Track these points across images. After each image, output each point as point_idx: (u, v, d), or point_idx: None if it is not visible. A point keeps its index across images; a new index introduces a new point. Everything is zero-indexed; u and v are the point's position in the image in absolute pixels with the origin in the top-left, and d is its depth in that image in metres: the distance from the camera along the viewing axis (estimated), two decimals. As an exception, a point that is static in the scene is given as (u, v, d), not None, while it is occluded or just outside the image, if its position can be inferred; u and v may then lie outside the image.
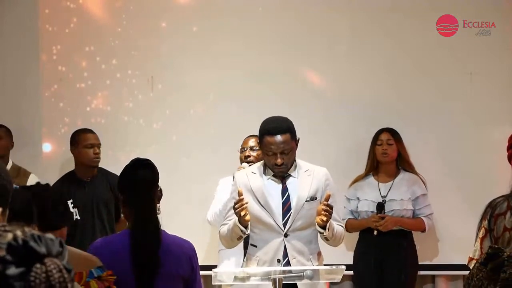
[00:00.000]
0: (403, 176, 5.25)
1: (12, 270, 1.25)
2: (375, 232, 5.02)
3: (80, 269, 2.54)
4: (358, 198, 5.21)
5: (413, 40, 5.62)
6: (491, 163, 5.36)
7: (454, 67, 5.59)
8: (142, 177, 3.06)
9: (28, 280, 1.25)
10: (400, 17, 5.63)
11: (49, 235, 1.30)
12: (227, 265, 4.78)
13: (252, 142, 4.84)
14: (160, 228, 3.04)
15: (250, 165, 4.56)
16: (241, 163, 4.79)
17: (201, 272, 5.42)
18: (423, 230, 5.23)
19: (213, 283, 3.49)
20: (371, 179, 5.26)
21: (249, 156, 4.79)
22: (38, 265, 1.26)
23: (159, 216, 3.11)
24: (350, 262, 5.18)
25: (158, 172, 3.14)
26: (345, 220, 5.16)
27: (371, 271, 5.07)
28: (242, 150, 4.88)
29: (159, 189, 3.15)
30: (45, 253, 1.28)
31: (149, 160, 3.17)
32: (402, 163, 5.28)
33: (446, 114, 5.57)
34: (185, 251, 3.06)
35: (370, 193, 5.19)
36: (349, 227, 5.17)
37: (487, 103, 5.56)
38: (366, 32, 5.63)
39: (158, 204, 3.13)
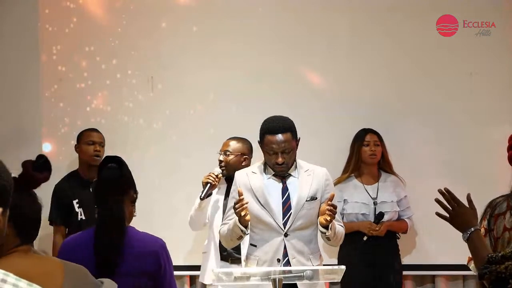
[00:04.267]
0: (386, 178, 5.24)
1: None
2: (365, 238, 5.00)
3: None
4: (345, 200, 5.17)
5: (413, 40, 5.61)
6: (491, 163, 5.36)
7: (454, 67, 5.59)
8: (106, 176, 3.06)
9: None
10: (400, 17, 5.62)
11: None
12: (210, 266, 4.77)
13: (226, 146, 4.86)
14: (124, 226, 3.03)
15: (222, 170, 4.69)
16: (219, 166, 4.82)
17: (199, 272, 5.49)
18: (405, 232, 5.24)
19: (212, 283, 3.48)
20: (355, 181, 5.22)
21: (221, 161, 4.80)
22: None
23: (134, 218, 3.11)
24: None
25: (127, 171, 3.11)
26: None
27: (362, 273, 5.03)
28: (220, 153, 4.88)
29: (134, 191, 3.12)
30: None
31: (118, 158, 3.14)
32: (384, 164, 5.27)
33: (446, 114, 5.57)
34: (151, 247, 3.04)
35: (358, 195, 5.16)
36: None
37: (487, 103, 5.56)
38: (366, 32, 5.63)
39: (133, 207, 3.11)
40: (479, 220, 2.74)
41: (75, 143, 5.32)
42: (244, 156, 4.79)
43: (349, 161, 5.26)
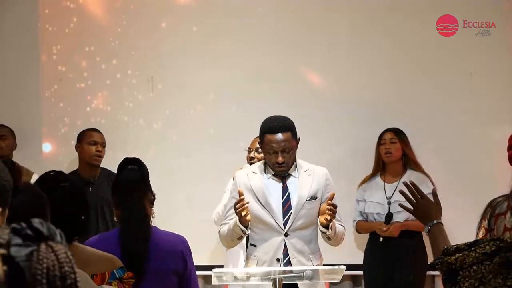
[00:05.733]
0: (409, 175, 5.23)
1: (18, 251, 1.24)
2: (381, 239, 5.02)
3: (102, 269, 2.53)
4: (365, 200, 5.22)
5: (413, 40, 5.61)
6: (491, 163, 5.35)
7: (454, 67, 5.59)
8: (127, 178, 3.06)
9: (36, 259, 1.24)
10: (400, 17, 5.63)
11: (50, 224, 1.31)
12: (236, 265, 4.75)
13: (256, 143, 4.83)
14: (149, 226, 3.04)
15: None
16: (248, 163, 4.79)
17: (199, 272, 5.49)
18: None
19: (213, 283, 3.48)
20: (378, 180, 5.26)
21: (253, 158, 4.79)
22: (43, 245, 1.26)
23: (152, 219, 3.11)
24: (350, 262, 5.16)
25: (146, 172, 3.11)
26: (356, 222, 5.21)
27: (380, 272, 5.06)
28: (249, 150, 4.88)
29: (152, 193, 3.12)
30: (48, 235, 1.27)
31: (137, 159, 3.15)
32: (409, 162, 5.27)
33: (446, 114, 5.57)
34: (176, 246, 3.05)
35: (376, 195, 5.19)
36: (359, 229, 5.23)
37: (487, 103, 5.56)
38: (366, 32, 5.63)
39: (152, 208, 3.11)
40: (479, 220, 2.74)
41: (75, 143, 5.32)
42: None
43: (374, 162, 5.30)
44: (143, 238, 2.98)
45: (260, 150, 4.76)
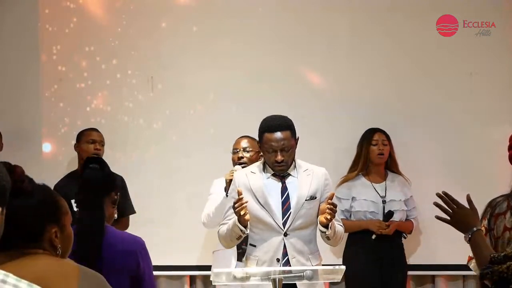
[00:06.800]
0: (393, 177, 5.24)
1: None
2: (374, 236, 5.00)
3: None
4: (353, 198, 5.17)
5: (413, 40, 5.61)
6: (491, 163, 5.36)
7: (454, 67, 5.59)
8: (87, 177, 3.07)
9: None
10: (400, 17, 5.62)
11: None
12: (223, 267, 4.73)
13: (244, 143, 4.80)
14: (103, 225, 3.05)
15: (243, 167, 4.52)
16: (233, 165, 4.74)
17: (199, 272, 5.49)
18: (410, 232, 5.24)
19: (212, 283, 3.48)
20: (363, 179, 5.22)
21: (242, 157, 4.75)
22: None
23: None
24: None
25: (108, 171, 3.13)
26: None
27: (370, 271, 5.05)
28: (235, 151, 4.82)
29: (115, 193, 3.13)
30: None
31: (100, 158, 3.16)
32: (392, 164, 5.27)
33: (446, 114, 5.57)
34: (130, 246, 3.05)
35: (367, 193, 5.16)
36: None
37: (487, 103, 5.56)
38: (366, 32, 5.63)
39: (114, 208, 3.12)
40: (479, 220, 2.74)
41: (75, 142, 5.31)
42: (260, 154, 4.76)
43: (356, 160, 5.26)
44: (96, 237, 2.99)
45: (248, 149, 4.74)
